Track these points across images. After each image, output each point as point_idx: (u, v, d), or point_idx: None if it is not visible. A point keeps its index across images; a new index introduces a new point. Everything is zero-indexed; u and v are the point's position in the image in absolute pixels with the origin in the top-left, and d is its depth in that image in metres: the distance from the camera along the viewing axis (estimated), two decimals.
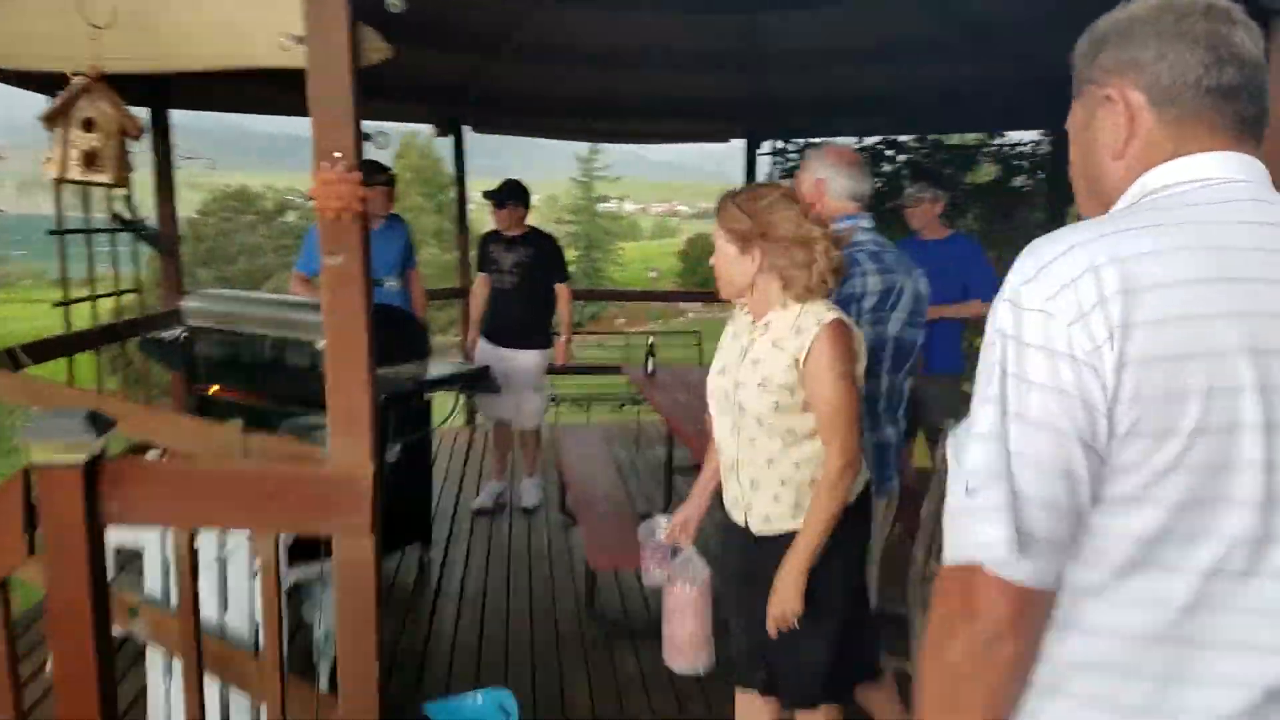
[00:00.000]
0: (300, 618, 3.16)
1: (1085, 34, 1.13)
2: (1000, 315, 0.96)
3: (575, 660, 3.53)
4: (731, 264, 2.20)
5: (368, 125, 1.98)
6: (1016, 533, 0.91)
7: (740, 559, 2.36)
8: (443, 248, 25.31)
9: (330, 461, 1.98)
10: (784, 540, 2.19)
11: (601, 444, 5.29)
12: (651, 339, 5.17)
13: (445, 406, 6.52)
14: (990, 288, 3.91)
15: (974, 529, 0.93)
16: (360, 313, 1.87)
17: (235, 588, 2.57)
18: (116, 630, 2.06)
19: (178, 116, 4.82)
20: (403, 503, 4.13)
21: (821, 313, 2.15)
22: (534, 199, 4.99)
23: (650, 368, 4.94)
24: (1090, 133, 1.11)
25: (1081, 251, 0.93)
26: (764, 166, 7.36)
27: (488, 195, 4.93)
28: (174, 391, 4.51)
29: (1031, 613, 0.94)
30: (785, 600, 2.14)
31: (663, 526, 2.53)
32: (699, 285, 21.06)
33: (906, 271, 2.66)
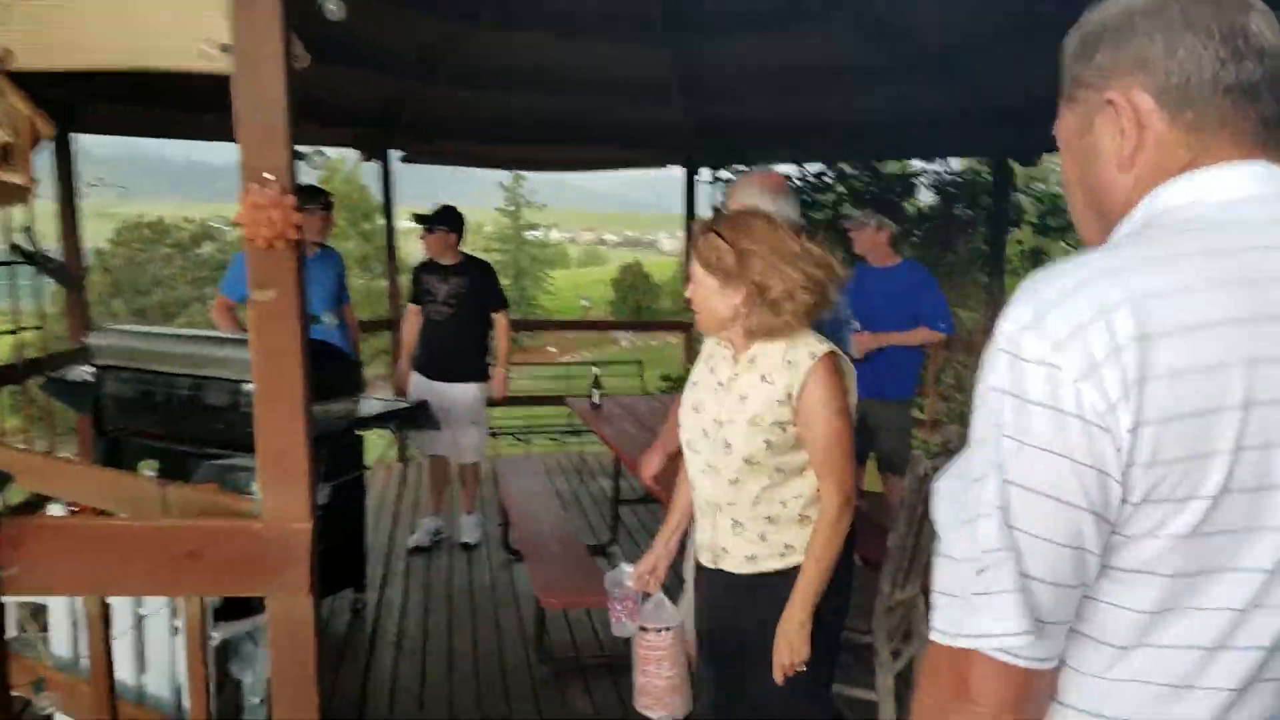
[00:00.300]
0: (228, 673, 2.92)
1: (1074, 31, 0.99)
2: (997, 368, 0.83)
3: (525, 702, 3.37)
4: (713, 297, 2.07)
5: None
6: (1031, 619, 0.80)
7: (717, 604, 2.23)
8: (368, 276, 24.80)
9: (262, 516, 1.79)
10: (771, 580, 2.09)
11: (543, 477, 5.12)
12: (595, 370, 5.02)
13: (377, 442, 6.29)
14: (939, 315, 3.86)
15: (979, 614, 0.82)
16: (294, 352, 1.70)
17: (155, 647, 2.36)
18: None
19: (83, 142, 4.55)
20: (334, 545, 3.91)
21: (813, 345, 2.05)
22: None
23: (596, 399, 4.80)
24: (1089, 141, 0.96)
25: (1091, 290, 0.80)
26: (704, 194, 7.31)
27: (418, 219, 4.75)
28: (80, 434, 4.22)
29: (1035, 693, 0.85)
30: (794, 648, 2.04)
31: (629, 575, 2.39)
32: (632, 314, 20.96)
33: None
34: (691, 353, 7.31)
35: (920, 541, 3.21)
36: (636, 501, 5.40)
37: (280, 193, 1.53)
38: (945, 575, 0.86)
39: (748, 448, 2.04)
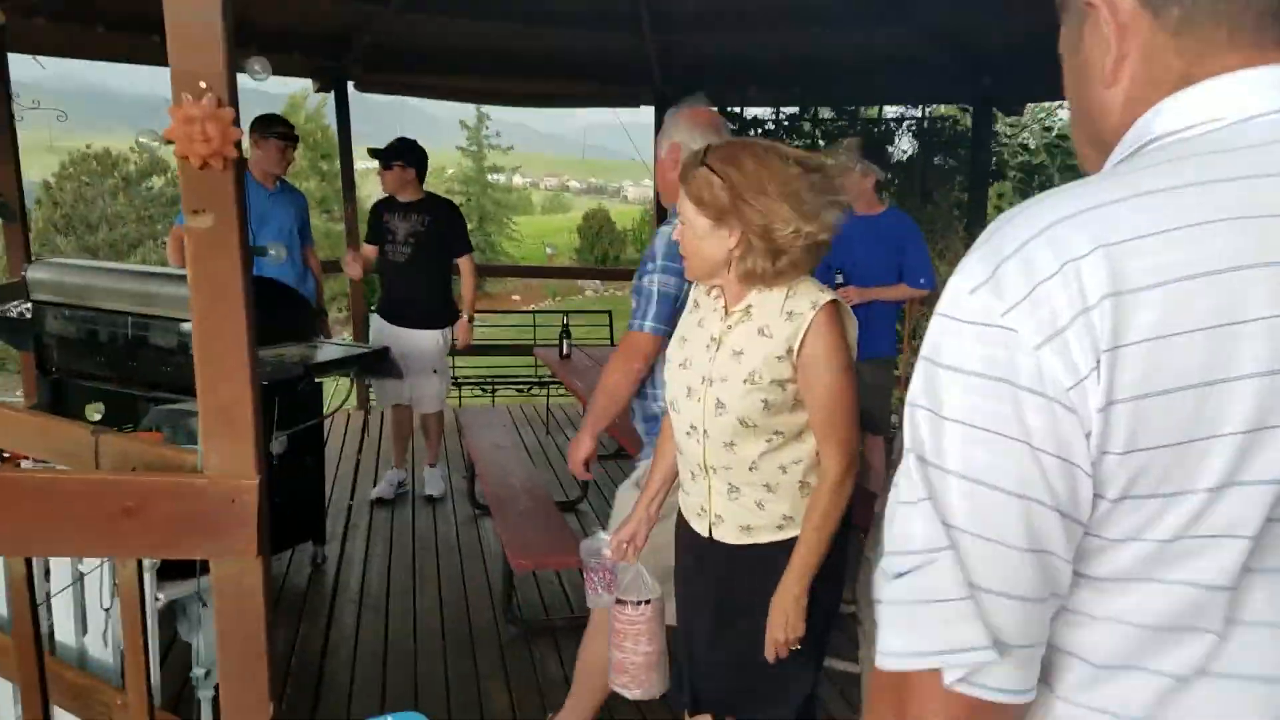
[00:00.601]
0: (176, 633, 2.76)
1: None
2: (936, 333, 0.69)
3: (492, 662, 3.24)
4: (703, 240, 1.88)
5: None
6: (989, 636, 0.66)
7: (705, 574, 2.08)
8: (327, 218, 24.06)
9: (205, 471, 1.61)
10: (768, 553, 1.94)
11: (510, 429, 4.96)
12: (565, 319, 4.83)
13: (338, 389, 6.07)
14: (921, 270, 3.67)
15: (918, 627, 0.68)
16: (236, 287, 1.50)
17: (95, 608, 2.17)
18: None
19: (24, 72, 4.22)
20: (291, 497, 3.73)
21: (815, 293, 1.87)
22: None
23: (565, 349, 4.62)
24: (1080, 57, 0.79)
25: (1055, 236, 0.65)
26: None
27: (373, 154, 4.50)
28: (26, 373, 3.99)
29: None
30: (790, 624, 1.89)
31: (607, 544, 2.24)
32: (597, 262, 20.63)
33: None
34: None
35: None
36: (608, 457, 5.25)
37: (216, 104, 1.32)
38: (883, 587, 0.71)
39: (742, 408, 1.87)
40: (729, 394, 1.87)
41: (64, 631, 2.20)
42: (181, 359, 3.46)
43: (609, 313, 6.64)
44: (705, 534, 2.02)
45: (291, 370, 3.36)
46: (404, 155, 4.39)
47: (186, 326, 3.38)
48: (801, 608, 1.89)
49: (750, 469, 1.91)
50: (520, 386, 6.58)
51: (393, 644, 3.37)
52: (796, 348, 1.83)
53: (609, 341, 6.57)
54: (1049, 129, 6.71)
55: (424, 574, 3.95)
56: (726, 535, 1.99)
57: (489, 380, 6.43)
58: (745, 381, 1.85)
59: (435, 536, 4.34)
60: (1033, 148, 6.40)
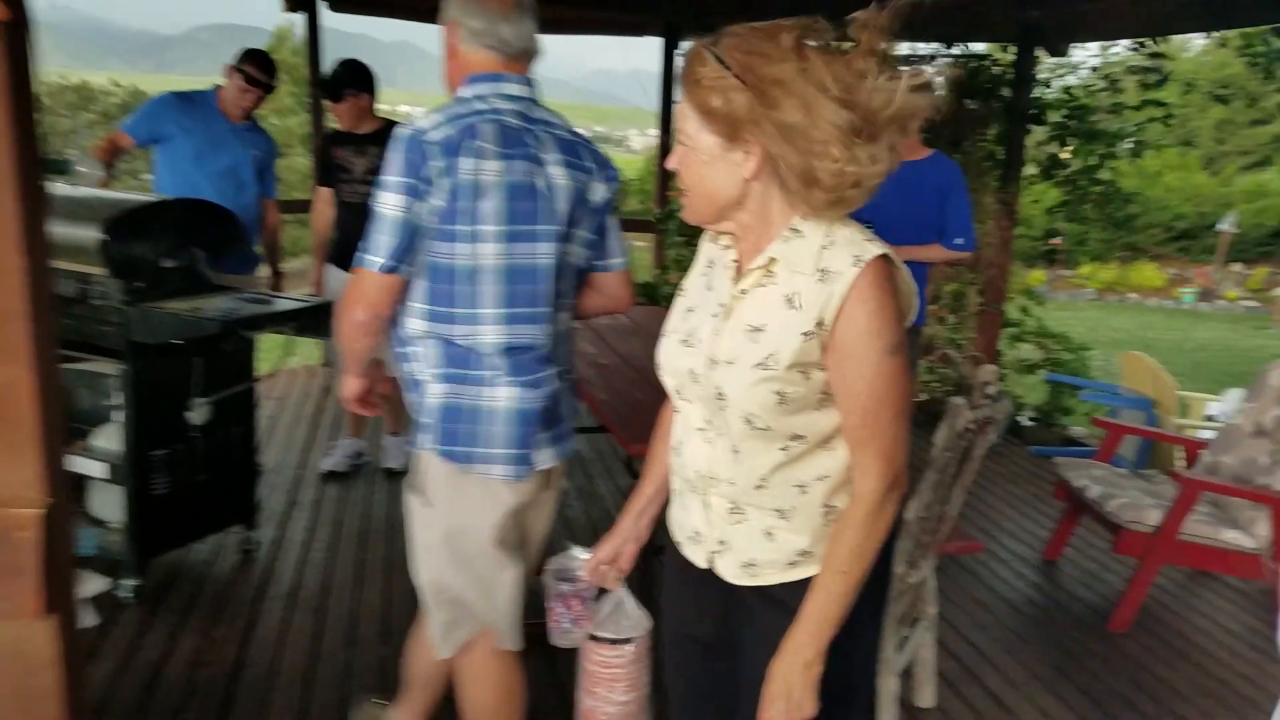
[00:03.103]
0: None
1: None
2: None
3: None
4: (711, 166, 1.31)
5: None
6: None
7: (701, 615, 1.57)
8: (309, 155, 22.95)
9: None
10: (777, 596, 1.42)
11: None
12: None
13: (307, 345, 5.49)
14: (961, 228, 2.98)
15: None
16: (7, 222, 0.92)
17: None
18: None
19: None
20: (216, 475, 3.17)
21: (859, 244, 1.31)
22: (405, 113, 3.94)
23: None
24: None
25: None
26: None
27: (321, 87, 3.90)
28: None
29: None
30: (793, 700, 1.36)
31: (580, 562, 1.70)
32: None
33: (579, 168, 1.86)
34: (663, 259, 6.52)
35: (947, 510, 2.54)
36: (592, 430, 4.68)
37: None
38: None
39: (749, 402, 1.33)
40: (734, 382, 1.34)
41: None
42: (81, 310, 2.89)
43: None
44: (703, 563, 1.50)
45: (206, 327, 2.77)
46: (355, 81, 3.76)
47: (91, 275, 2.81)
48: (813, 679, 1.35)
49: (758, 486, 1.38)
50: None
51: (324, 653, 2.83)
52: (830, 320, 1.28)
53: None
54: (1096, 69, 6.01)
55: (371, 564, 3.40)
56: (727, 570, 1.47)
57: None
58: (759, 366, 1.31)
59: (389, 518, 3.77)
60: (1077, 94, 5.70)
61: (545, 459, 1.92)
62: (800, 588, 1.38)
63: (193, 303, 2.95)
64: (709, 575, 1.49)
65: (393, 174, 1.71)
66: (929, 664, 2.70)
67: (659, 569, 1.67)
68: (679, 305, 1.51)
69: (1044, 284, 13.59)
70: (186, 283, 3.02)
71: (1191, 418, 5.16)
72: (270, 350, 5.64)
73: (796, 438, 1.35)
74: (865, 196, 1.30)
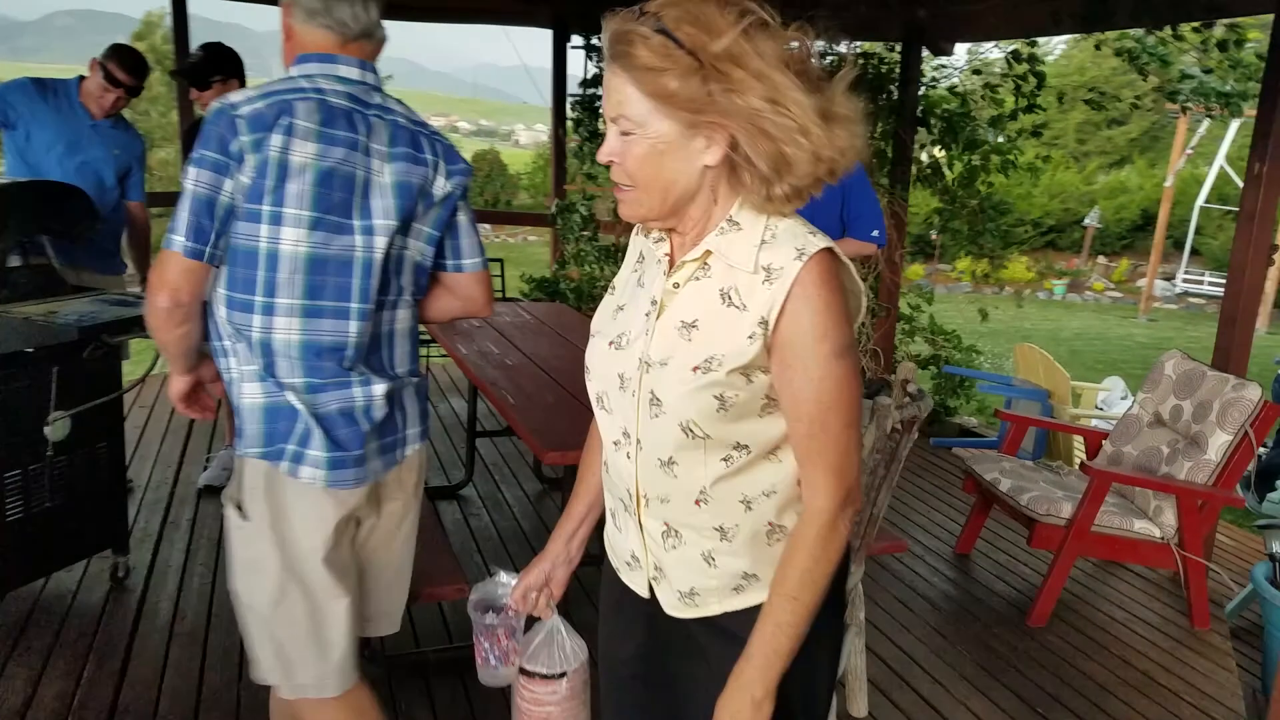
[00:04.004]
0: None
1: None
2: None
3: None
4: (668, 156, 1.16)
5: None
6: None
7: (641, 649, 1.41)
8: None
9: None
10: (723, 626, 1.28)
11: None
12: None
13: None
14: (872, 221, 2.81)
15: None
16: None
17: None
18: None
19: None
20: (79, 495, 2.85)
21: (801, 238, 1.17)
22: None
23: None
24: None
25: None
26: (577, 66, 6.21)
27: (178, 74, 3.57)
28: None
29: None
30: None
31: (507, 588, 1.51)
32: (488, 206, 19.39)
33: (416, 159, 1.72)
34: (561, 254, 6.33)
35: (875, 512, 2.45)
36: (499, 433, 4.48)
37: None
38: None
39: (686, 408, 1.18)
40: (669, 386, 1.19)
41: None
42: None
43: (500, 261, 5.80)
44: (644, 592, 1.35)
45: (62, 333, 2.46)
46: (222, 67, 3.44)
47: None
48: (763, 719, 1.20)
49: (697, 502, 1.24)
50: None
51: (210, 692, 2.55)
52: (773, 320, 1.15)
53: (501, 294, 5.75)
54: (978, 72, 6.12)
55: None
56: (666, 599, 1.32)
57: None
58: (699, 370, 1.17)
59: None
60: (961, 92, 5.79)
61: (374, 469, 1.75)
62: (750, 616, 1.24)
63: (47, 306, 2.63)
64: (650, 604, 1.34)
65: (200, 149, 1.57)
66: (860, 671, 2.62)
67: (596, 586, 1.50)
68: (608, 304, 1.35)
69: (922, 278, 13.99)
70: (39, 283, 2.70)
71: (1083, 407, 5.31)
72: (141, 355, 5.22)
73: (740, 447, 1.21)
74: (820, 189, 1.18)
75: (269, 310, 1.62)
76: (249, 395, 1.67)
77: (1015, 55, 5.53)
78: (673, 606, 1.31)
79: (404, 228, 1.71)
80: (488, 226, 20.63)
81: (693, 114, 1.11)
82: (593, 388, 1.32)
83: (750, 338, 1.15)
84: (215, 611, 2.96)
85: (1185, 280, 16.76)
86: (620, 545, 1.37)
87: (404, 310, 1.80)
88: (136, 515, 3.59)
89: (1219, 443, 3.20)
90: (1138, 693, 2.87)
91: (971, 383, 5.85)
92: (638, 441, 1.25)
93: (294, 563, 1.70)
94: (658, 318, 1.23)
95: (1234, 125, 15.00)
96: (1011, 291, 16.70)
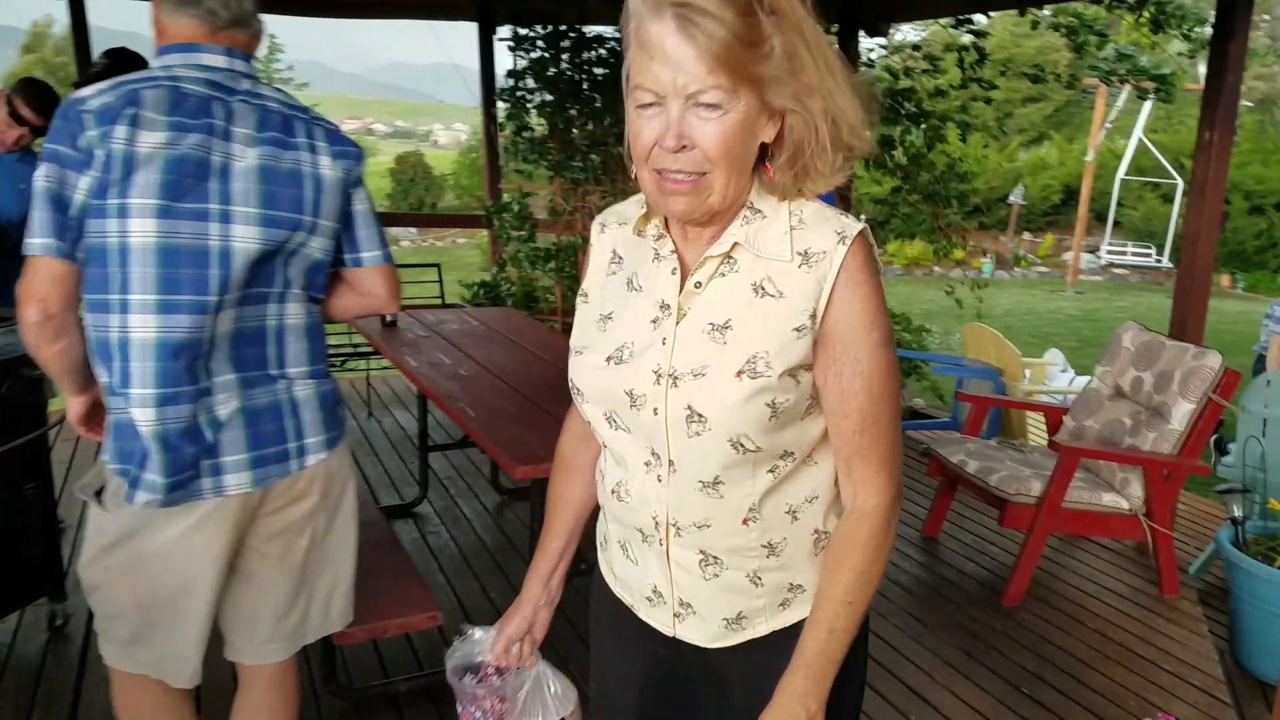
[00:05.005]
0: None
1: None
2: None
3: None
4: (749, 135, 1.04)
5: None
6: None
7: (656, 694, 1.30)
8: None
9: None
10: (770, 642, 1.19)
11: None
12: None
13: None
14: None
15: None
16: None
17: None
18: None
19: None
20: (6, 541, 2.64)
21: (836, 220, 1.10)
22: None
23: (389, 315, 3.63)
24: None
25: None
26: (504, 60, 6.05)
27: (89, 84, 3.33)
28: None
29: None
30: None
31: (484, 643, 1.39)
32: (413, 209, 19.01)
33: (289, 145, 1.65)
34: (499, 254, 6.18)
35: None
36: (451, 446, 4.33)
37: None
38: None
39: (737, 420, 1.08)
40: (712, 398, 1.08)
41: None
42: None
43: (438, 266, 5.63)
44: (668, 629, 1.23)
45: None
46: (127, 65, 3.22)
47: None
48: None
49: (745, 521, 1.14)
50: (332, 360, 5.47)
51: None
52: (821, 310, 1.07)
53: (439, 300, 5.58)
54: (917, 48, 6.14)
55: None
56: (700, 634, 1.21)
57: None
58: (740, 374, 1.07)
59: None
60: (897, 71, 5.80)
61: (237, 481, 1.66)
62: (797, 630, 1.16)
63: None
64: (670, 643, 1.23)
65: (50, 144, 1.53)
66: None
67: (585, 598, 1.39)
68: (586, 315, 1.22)
69: None
70: None
71: (1035, 383, 5.36)
72: None
73: (786, 455, 1.13)
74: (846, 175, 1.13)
75: (124, 308, 1.54)
76: (110, 408, 1.61)
77: (955, 26, 5.54)
78: (712, 638, 1.20)
79: (281, 218, 1.63)
80: (414, 230, 20.25)
81: (771, 86, 1.02)
82: (591, 410, 1.18)
83: (798, 330, 1.06)
84: None
85: (1109, 252, 17.23)
86: (636, 579, 1.24)
87: (296, 305, 1.71)
88: (71, 556, 3.37)
89: (1182, 412, 3.22)
90: (1118, 665, 2.87)
91: (922, 365, 5.87)
92: (670, 463, 1.13)
93: (141, 563, 1.66)
94: (678, 321, 1.11)
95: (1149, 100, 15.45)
96: (942, 272, 16.99)
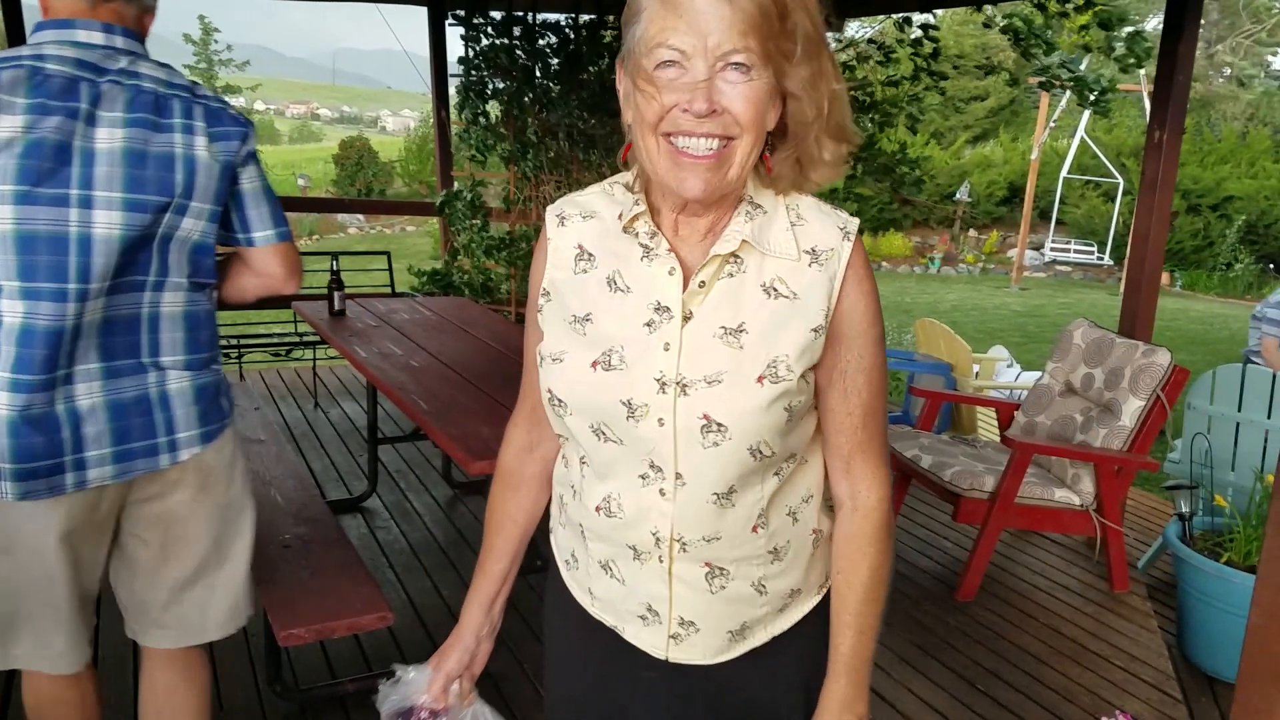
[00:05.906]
0: None
1: None
2: None
3: None
4: (766, 102, 0.99)
5: None
6: None
7: (647, 709, 1.21)
8: None
9: None
10: (756, 655, 1.17)
11: (267, 409, 3.84)
12: (335, 263, 3.70)
13: None
14: None
15: None
16: None
17: None
18: None
19: None
20: None
21: (832, 213, 1.08)
22: None
23: (338, 304, 3.53)
24: None
25: None
26: (456, 47, 5.92)
27: None
28: None
29: None
30: None
31: (421, 685, 1.28)
32: (360, 195, 18.67)
33: (164, 126, 1.60)
34: (451, 243, 6.06)
35: None
36: (402, 439, 4.23)
37: None
38: None
39: (758, 427, 1.03)
40: (732, 405, 1.02)
41: None
42: None
43: (388, 254, 5.51)
44: (660, 651, 1.16)
45: None
46: None
47: None
48: None
49: (755, 528, 1.10)
50: (276, 349, 5.32)
51: None
52: (831, 308, 1.05)
53: (389, 289, 5.46)
54: (872, 41, 6.15)
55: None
56: (699, 651, 1.15)
57: (234, 342, 5.13)
58: (761, 379, 1.02)
59: None
60: (854, 67, 5.81)
61: (100, 474, 1.61)
62: (792, 633, 1.17)
63: None
64: (661, 665, 1.16)
65: None
66: None
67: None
68: (554, 316, 1.11)
69: None
70: None
71: (984, 378, 5.41)
72: None
73: (791, 457, 1.10)
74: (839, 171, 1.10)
75: None
76: None
77: (908, 21, 5.57)
78: (714, 653, 1.15)
79: (156, 202, 1.57)
80: (362, 218, 19.89)
81: (788, 67, 0.98)
82: (574, 422, 1.09)
83: (816, 331, 1.04)
84: (106, 657, 2.66)
85: (1053, 250, 17.56)
86: (622, 599, 1.15)
87: (173, 293, 1.65)
88: None
89: (1133, 408, 3.26)
90: (1071, 661, 2.89)
91: None
92: (677, 476, 1.05)
93: (2, 555, 1.63)
94: (684, 325, 1.04)
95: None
96: (890, 268, 17.18)
